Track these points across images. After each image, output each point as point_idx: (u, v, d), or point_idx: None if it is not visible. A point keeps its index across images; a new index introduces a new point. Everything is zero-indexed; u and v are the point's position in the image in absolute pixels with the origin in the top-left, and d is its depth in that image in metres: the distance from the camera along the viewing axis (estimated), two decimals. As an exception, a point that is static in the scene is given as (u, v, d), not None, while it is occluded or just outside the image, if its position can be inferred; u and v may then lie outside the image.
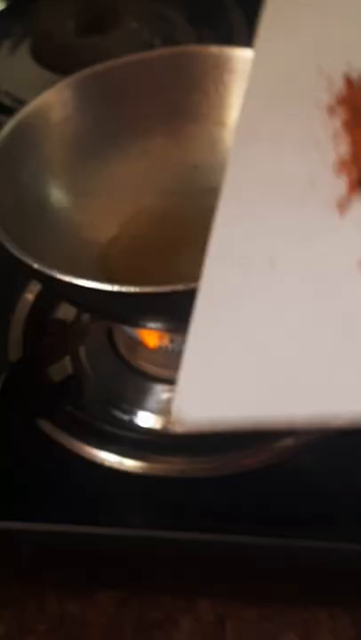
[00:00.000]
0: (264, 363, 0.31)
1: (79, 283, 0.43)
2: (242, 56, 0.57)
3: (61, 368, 0.58)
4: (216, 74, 0.58)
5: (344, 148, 0.37)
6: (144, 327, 0.54)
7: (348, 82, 0.40)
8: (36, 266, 0.45)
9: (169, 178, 0.60)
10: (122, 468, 0.51)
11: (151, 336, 0.55)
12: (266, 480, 0.50)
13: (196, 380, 0.31)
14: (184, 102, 0.59)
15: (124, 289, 0.43)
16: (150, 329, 0.54)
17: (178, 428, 0.30)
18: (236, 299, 0.34)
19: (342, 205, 0.35)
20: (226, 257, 0.35)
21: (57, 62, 0.86)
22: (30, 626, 0.52)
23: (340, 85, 0.40)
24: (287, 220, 0.36)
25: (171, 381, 0.56)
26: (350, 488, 0.50)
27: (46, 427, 0.54)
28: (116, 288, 0.43)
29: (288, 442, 0.51)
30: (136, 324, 0.52)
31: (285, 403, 0.29)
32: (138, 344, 0.57)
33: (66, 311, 0.63)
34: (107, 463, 0.52)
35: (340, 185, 0.36)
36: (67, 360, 0.58)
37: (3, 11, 0.97)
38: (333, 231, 0.34)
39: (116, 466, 0.51)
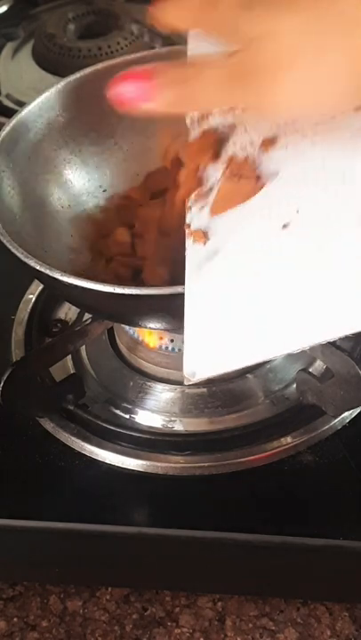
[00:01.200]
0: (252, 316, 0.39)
1: (82, 284, 0.44)
2: None
3: (63, 367, 0.58)
4: None
5: None
6: (145, 327, 0.54)
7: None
8: (39, 267, 0.45)
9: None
10: (122, 466, 0.52)
11: (151, 336, 0.56)
12: (266, 480, 0.51)
13: (199, 340, 0.41)
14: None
15: (126, 290, 0.43)
16: (151, 329, 0.55)
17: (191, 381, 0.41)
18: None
19: None
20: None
21: (58, 65, 0.86)
22: (33, 622, 0.52)
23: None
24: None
25: (171, 381, 0.56)
26: (349, 487, 0.50)
27: (48, 425, 0.54)
28: (118, 290, 0.43)
29: (288, 442, 0.52)
30: (137, 324, 0.52)
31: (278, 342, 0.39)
32: (138, 344, 0.57)
33: (67, 311, 0.63)
34: (107, 462, 0.52)
35: None
36: (68, 360, 0.59)
37: (4, 14, 0.98)
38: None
39: (116, 464, 0.52)
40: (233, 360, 0.40)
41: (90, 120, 0.58)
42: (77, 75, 0.58)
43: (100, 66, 0.58)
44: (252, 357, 0.40)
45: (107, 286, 0.43)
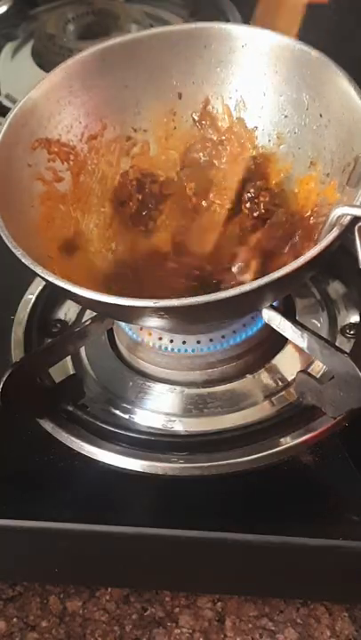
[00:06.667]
0: None
1: (88, 295, 0.44)
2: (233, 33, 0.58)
3: (63, 368, 0.58)
4: (210, 51, 0.58)
5: None
6: (146, 327, 0.55)
7: None
8: (46, 276, 0.45)
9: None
10: (122, 466, 0.52)
11: (151, 336, 0.56)
12: (265, 480, 0.51)
13: None
14: (173, 82, 0.60)
15: (136, 303, 0.43)
16: (151, 328, 0.55)
17: None
18: None
19: None
20: None
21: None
22: (33, 622, 0.52)
23: None
24: None
25: (170, 381, 0.56)
26: (349, 487, 0.50)
27: (48, 425, 0.54)
28: (130, 302, 0.43)
29: (288, 442, 0.52)
30: (138, 323, 0.52)
31: None
32: (138, 344, 0.57)
33: (67, 312, 0.63)
34: (107, 462, 0.52)
35: None
36: (68, 360, 0.59)
37: (4, 15, 0.98)
38: None
39: (116, 464, 0.52)
40: None
41: (82, 112, 0.58)
42: (64, 64, 0.57)
43: (85, 53, 0.58)
44: None
45: (116, 298, 0.44)
